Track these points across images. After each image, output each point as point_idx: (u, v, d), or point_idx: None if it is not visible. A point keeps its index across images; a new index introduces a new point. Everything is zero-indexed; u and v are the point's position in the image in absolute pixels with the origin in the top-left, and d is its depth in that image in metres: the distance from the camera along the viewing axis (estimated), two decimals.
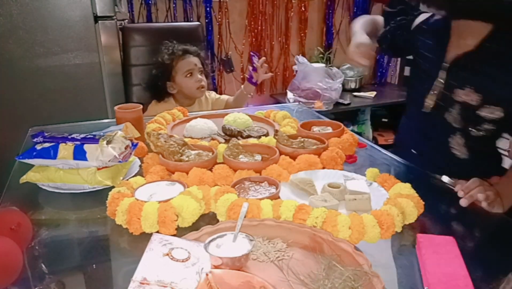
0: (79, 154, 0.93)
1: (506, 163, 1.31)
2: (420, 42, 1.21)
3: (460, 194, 0.93)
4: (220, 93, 3.10)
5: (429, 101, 1.16)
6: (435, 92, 1.14)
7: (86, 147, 0.94)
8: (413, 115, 1.30)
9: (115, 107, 1.27)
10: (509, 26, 1.01)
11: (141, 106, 1.29)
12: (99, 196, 0.91)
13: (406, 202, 0.82)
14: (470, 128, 1.10)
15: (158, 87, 1.88)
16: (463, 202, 0.91)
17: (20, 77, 1.89)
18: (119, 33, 2.05)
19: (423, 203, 0.85)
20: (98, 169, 0.95)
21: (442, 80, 1.12)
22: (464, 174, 1.00)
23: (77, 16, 1.89)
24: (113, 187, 0.92)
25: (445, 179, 1.06)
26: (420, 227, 0.82)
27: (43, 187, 0.95)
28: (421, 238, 0.74)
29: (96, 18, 1.92)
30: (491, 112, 1.05)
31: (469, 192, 0.92)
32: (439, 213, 0.90)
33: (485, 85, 1.03)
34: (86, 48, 1.94)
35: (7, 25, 1.81)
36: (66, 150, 0.94)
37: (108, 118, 1.71)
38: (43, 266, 0.72)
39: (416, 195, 0.86)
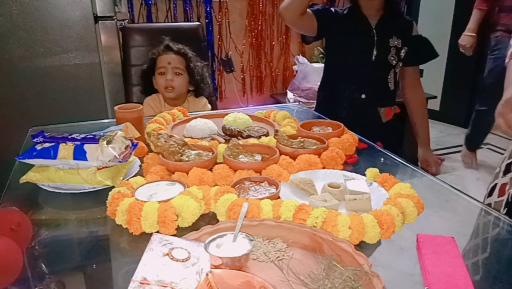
0: (79, 154, 0.93)
1: None
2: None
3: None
4: (220, 94, 3.10)
5: (374, 51, 1.62)
6: (375, 46, 1.62)
7: (86, 147, 0.94)
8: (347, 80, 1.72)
9: (115, 107, 1.27)
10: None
11: (141, 106, 1.29)
12: (99, 196, 0.91)
13: (406, 202, 0.82)
14: (397, 65, 1.66)
15: (146, 81, 1.86)
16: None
17: (20, 77, 1.89)
18: (119, 33, 2.05)
19: (423, 203, 0.85)
20: (98, 169, 0.95)
21: (376, 38, 1.62)
22: (390, 101, 1.71)
23: (77, 16, 1.89)
24: (113, 187, 0.92)
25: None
26: (420, 227, 0.82)
27: (43, 187, 0.95)
28: (421, 238, 0.74)
29: (96, 18, 1.92)
30: (404, 52, 1.64)
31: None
32: (439, 213, 0.90)
33: (401, 34, 1.63)
34: (86, 48, 1.94)
35: (7, 25, 1.81)
36: (66, 150, 0.94)
37: (108, 118, 1.71)
38: (43, 266, 0.72)
39: (416, 195, 0.86)
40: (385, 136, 1.59)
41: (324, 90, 1.84)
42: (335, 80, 1.74)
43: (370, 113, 1.69)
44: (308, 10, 1.61)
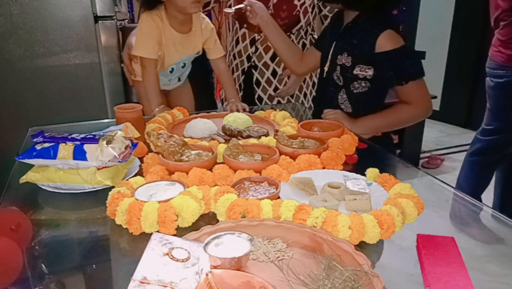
0: (79, 154, 0.93)
1: None
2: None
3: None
4: (218, 92, 3.08)
5: (325, 68, 1.51)
6: (328, 61, 1.49)
7: (86, 147, 0.94)
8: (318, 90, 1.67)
9: (115, 107, 1.27)
10: (367, 13, 1.38)
11: (141, 106, 1.29)
12: (99, 196, 0.91)
13: (406, 202, 0.82)
14: (350, 85, 1.42)
15: None
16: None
17: (20, 77, 1.89)
18: (119, 33, 2.05)
19: (423, 203, 0.85)
20: (98, 169, 0.95)
21: (331, 52, 1.48)
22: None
23: (77, 16, 1.89)
24: (113, 187, 0.92)
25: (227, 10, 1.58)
26: (420, 227, 0.82)
27: (43, 187, 0.95)
28: (421, 238, 0.74)
29: (96, 18, 1.92)
30: (362, 71, 1.37)
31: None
32: (439, 213, 0.90)
33: (353, 51, 1.39)
34: (86, 48, 1.94)
35: (7, 25, 1.81)
36: (66, 150, 0.94)
37: (108, 118, 1.72)
38: (43, 266, 0.72)
39: (416, 195, 0.86)
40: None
41: None
42: None
43: None
44: (311, 47, 1.63)
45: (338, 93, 1.46)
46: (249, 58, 1.80)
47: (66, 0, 1.86)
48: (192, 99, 1.90)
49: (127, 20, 2.29)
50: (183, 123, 1.41)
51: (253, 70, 1.80)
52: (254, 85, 1.79)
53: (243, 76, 1.85)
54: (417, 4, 4.15)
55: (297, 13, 1.67)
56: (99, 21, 1.92)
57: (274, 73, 1.79)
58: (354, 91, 1.42)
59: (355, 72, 1.39)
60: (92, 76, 2.00)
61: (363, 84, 1.40)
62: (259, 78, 1.80)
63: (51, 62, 1.91)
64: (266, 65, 1.79)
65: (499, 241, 0.82)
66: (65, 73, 1.95)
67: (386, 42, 1.32)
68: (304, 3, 1.69)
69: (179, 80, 1.78)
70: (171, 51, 1.58)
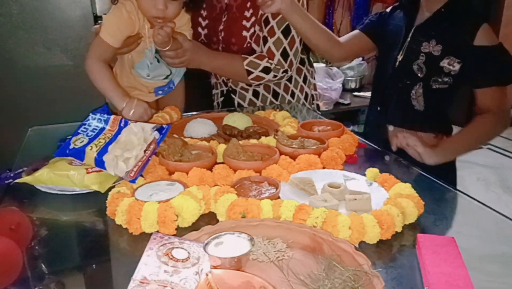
0: (99, 164, 0.94)
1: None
2: (390, 20, 1.43)
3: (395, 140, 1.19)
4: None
5: (399, 57, 1.33)
6: (404, 49, 1.32)
7: (105, 157, 0.93)
8: (378, 88, 1.51)
9: None
10: None
11: None
12: (99, 196, 0.91)
13: (406, 202, 0.82)
14: (431, 78, 1.27)
15: None
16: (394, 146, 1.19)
17: (20, 77, 1.89)
18: None
19: (423, 203, 0.85)
20: (88, 172, 0.94)
21: (409, 39, 1.32)
22: (417, 126, 1.29)
23: (77, 16, 1.90)
24: (111, 188, 0.92)
25: (387, 158, 1.19)
26: (420, 227, 0.82)
27: (42, 189, 0.95)
28: (421, 238, 0.74)
29: (96, 18, 1.92)
30: (450, 64, 1.23)
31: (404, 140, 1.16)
32: (439, 213, 0.90)
33: (445, 39, 1.24)
34: (86, 48, 1.93)
35: (7, 25, 1.81)
36: (89, 157, 0.94)
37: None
38: (43, 266, 0.72)
39: (416, 195, 0.86)
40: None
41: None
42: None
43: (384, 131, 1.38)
44: (355, 31, 1.48)
45: (413, 86, 1.30)
46: (225, 83, 1.61)
47: (66, 0, 1.87)
48: (183, 99, 1.66)
49: None
50: (183, 123, 1.40)
51: (232, 95, 1.60)
52: (237, 108, 1.60)
53: (221, 98, 1.66)
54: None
55: (248, 44, 1.45)
56: (99, 21, 1.92)
57: (255, 94, 1.57)
58: (434, 86, 1.26)
59: (441, 64, 1.24)
60: None
61: (445, 80, 1.25)
62: (241, 102, 1.60)
63: (51, 62, 1.91)
64: (244, 89, 1.58)
65: (499, 241, 0.82)
66: (65, 73, 1.95)
67: (487, 36, 1.20)
68: (254, 32, 1.43)
69: (167, 78, 1.51)
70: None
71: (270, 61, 1.41)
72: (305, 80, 1.65)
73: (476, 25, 1.21)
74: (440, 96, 1.29)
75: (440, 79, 1.26)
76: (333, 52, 1.46)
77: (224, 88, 1.63)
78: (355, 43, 1.48)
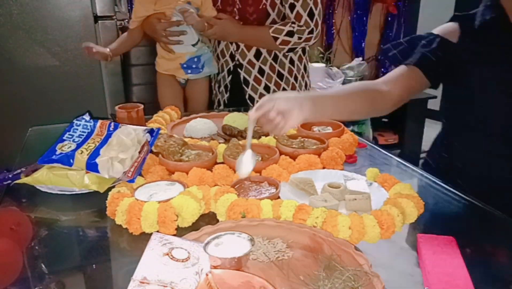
0: (91, 167, 0.93)
1: None
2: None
3: None
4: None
5: None
6: None
7: (98, 160, 0.93)
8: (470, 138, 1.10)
9: (116, 107, 1.28)
10: None
11: (142, 106, 1.29)
12: (99, 196, 0.91)
13: (406, 202, 0.82)
14: None
15: None
16: None
17: (20, 77, 1.89)
18: (119, 33, 2.06)
19: (423, 203, 0.85)
20: (87, 172, 0.94)
21: None
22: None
23: (77, 16, 1.90)
24: (111, 188, 0.92)
25: None
26: (420, 227, 0.82)
27: (42, 189, 0.95)
28: (421, 238, 0.74)
29: (96, 18, 1.92)
30: None
31: None
32: (439, 213, 0.90)
33: None
34: None
35: (7, 25, 1.81)
36: (79, 161, 0.93)
37: (108, 118, 1.72)
38: (43, 266, 0.72)
39: (416, 195, 0.86)
40: None
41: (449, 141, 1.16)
42: (464, 129, 1.10)
43: None
44: (403, 67, 1.10)
45: None
46: (232, 57, 1.70)
47: (66, 0, 1.87)
48: (207, 96, 1.82)
49: (127, 20, 2.29)
50: (183, 123, 1.41)
51: (239, 70, 1.69)
52: (243, 85, 1.71)
53: (229, 77, 1.75)
54: (417, 4, 4.15)
55: (264, 6, 1.54)
56: (99, 21, 1.92)
57: (261, 72, 1.67)
58: None
59: None
60: (92, 76, 2.00)
61: None
62: (247, 77, 1.69)
63: (51, 62, 1.91)
64: (251, 64, 1.67)
65: (500, 240, 0.82)
66: (65, 73, 1.95)
67: None
68: None
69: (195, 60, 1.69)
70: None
71: (293, 25, 1.51)
72: (305, 69, 1.76)
73: None
74: None
75: None
76: (383, 108, 1.09)
77: (231, 65, 1.70)
78: (410, 81, 1.10)
